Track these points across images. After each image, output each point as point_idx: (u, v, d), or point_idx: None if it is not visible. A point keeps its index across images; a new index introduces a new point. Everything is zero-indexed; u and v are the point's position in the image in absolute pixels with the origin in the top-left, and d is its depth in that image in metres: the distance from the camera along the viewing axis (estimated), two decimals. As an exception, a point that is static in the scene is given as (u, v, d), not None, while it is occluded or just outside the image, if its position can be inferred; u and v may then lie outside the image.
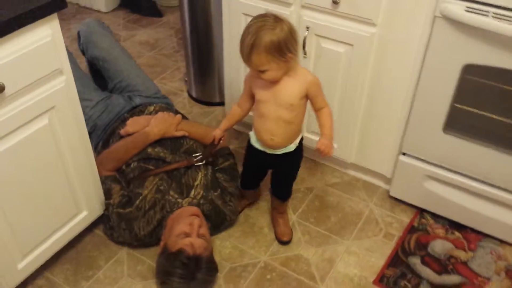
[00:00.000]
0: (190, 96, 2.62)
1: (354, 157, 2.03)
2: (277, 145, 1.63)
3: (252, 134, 1.69)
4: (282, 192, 1.83)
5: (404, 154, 1.88)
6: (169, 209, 1.74)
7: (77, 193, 1.66)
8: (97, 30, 2.24)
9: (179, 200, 1.76)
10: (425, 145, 1.80)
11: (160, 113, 1.97)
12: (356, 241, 1.86)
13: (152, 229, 1.74)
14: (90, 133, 1.97)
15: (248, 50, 1.41)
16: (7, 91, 1.28)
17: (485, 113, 1.65)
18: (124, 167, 1.86)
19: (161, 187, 1.77)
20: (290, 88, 1.52)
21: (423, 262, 1.78)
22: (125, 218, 1.73)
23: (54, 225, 1.63)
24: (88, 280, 1.71)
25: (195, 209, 1.73)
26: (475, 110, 1.66)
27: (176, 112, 2.13)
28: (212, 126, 2.36)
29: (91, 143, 1.89)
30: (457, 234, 1.88)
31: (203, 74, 2.49)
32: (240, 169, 1.90)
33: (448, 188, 1.84)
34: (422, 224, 1.92)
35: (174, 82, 2.76)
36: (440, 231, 1.89)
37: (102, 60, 2.19)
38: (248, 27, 1.43)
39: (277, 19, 1.41)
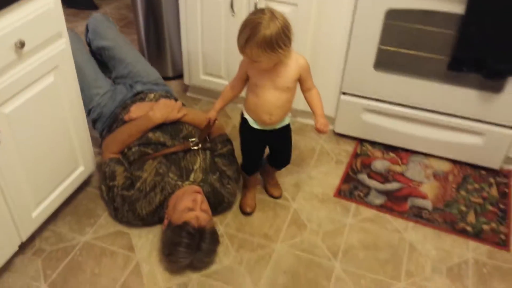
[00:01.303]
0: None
1: (303, 105, 2.40)
2: (275, 121, 1.77)
3: (247, 116, 1.80)
4: (283, 161, 2.00)
5: (344, 93, 2.28)
6: (170, 191, 1.83)
7: (75, 149, 1.87)
8: (103, 23, 2.39)
9: (179, 183, 1.85)
10: (360, 83, 2.21)
11: (162, 99, 2.07)
12: (314, 169, 2.23)
13: (153, 209, 1.84)
14: (96, 120, 2.16)
15: (243, 43, 1.54)
16: (26, 48, 1.48)
17: (408, 51, 2.08)
18: (126, 150, 1.96)
19: (160, 170, 1.87)
20: (286, 72, 1.66)
21: (369, 177, 2.19)
22: (128, 200, 1.83)
23: (59, 177, 1.83)
24: (92, 226, 1.92)
25: (197, 187, 1.84)
26: (399, 49, 2.09)
27: (176, 100, 2.21)
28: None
29: (97, 130, 2.20)
30: (391, 154, 2.32)
31: (156, 52, 2.74)
32: (238, 158, 2.01)
33: (382, 117, 2.27)
34: (363, 151, 2.34)
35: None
36: (378, 154, 2.32)
37: (107, 49, 2.32)
38: (246, 21, 1.55)
39: (273, 17, 1.53)
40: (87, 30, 2.44)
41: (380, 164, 2.26)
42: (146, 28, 2.69)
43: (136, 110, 2.05)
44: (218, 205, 1.93)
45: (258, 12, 1.56)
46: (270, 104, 1.71)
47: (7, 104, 1.49)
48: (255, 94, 1.72)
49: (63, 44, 1.66)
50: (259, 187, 2.11)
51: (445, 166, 2.26)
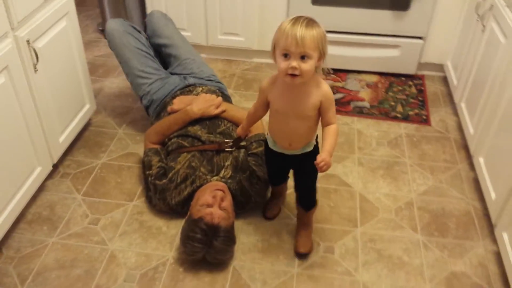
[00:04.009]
0: (110, 41, 3.21)
1: (257, 44, 2.90)
2: (295, 148, 1.66)
3: (269, 137, 1.73)
4: (305, 196, 1.82)
5: (289, 30, 2.80)
6: (199, 184, 1.87)
7: (83, 88, 2.25)
8: (161, 21, 2.47)
9: (208, 177, 1.89)
10: (301, 19, 2.74)
11: (202, 94, 2.13)
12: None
13: (183, 200, 1.88)
14: (147, 107, 2.29)
15: (304, 29, 1.37)
16: (48, -5, 1.87)
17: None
18: (167, 140, 2.05)
19: (193, 164, 1.91)
20: (307, 98, 1.53)
21: (319, 92, 2.73)
22: (159, 189, 1.90)
23: (75, 109, 2.22)
24: (104, 152, 2.30)
25: (221, 184, 1.85)
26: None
27: (225, 97, 2.28)
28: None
29: (149, 116, 2.29)
30: (332, 75, 2.88)
31: (120, 16, 3.08)
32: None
33: (320, 45, 2.81)
34: (310, 76, 2.87)
35: (89, 34, 3.31)
36: (322, 77, 2.86)
37: (164, 47, 2.42)
38: (294, 20, 1.41)
39: (317, 22, 1.45)
40: (145, 27, 2.52)
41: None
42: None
43: (179, 103, 2.12)
44: (245, 203, 1.94)
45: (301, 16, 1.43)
46: (290, 132, 1.62)
47: (40, 39, 1.86)
48: (275, 120, 1.64)
49: None
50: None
51: (374, 78, 2.85)
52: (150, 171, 1.94)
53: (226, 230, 1.70)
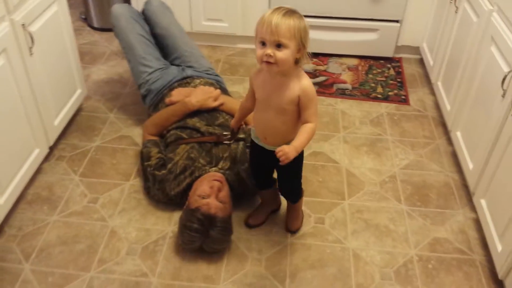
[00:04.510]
0: (93, 27, 3.24)
1: (241, 30, 2.97)
2: (271, 144, 1.64)
3: (252, 128, 1.71)
4: (287, 192, 1.84)
5: (272, 15, 2.88)
6: (198, 175, 1.88)
7: (75, 74, 2.29)
8: (158, 10, 2.45)
9: (207, 168, 1.90)
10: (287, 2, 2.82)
11: (201, 86, 2.14)
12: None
13: (182, 190, 1.89)
14: (144, 96, 2.28)
15: (279, 19, 1.37)
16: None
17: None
18: (165, 132, 2.07)
19: (192, 155, 1.92)
20: (284, 91, 1.50)
21: (302, 75, 2.83)
22: (158, 179, 1.91)
23: (69, 93, 2.27)
24: (98, 135, 2.35)
25: (219, 175, 1.86)
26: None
27: (223, 90, 2.29)
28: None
29: (145, 106, 2.30)
30: (314, 59, 2.98)
31: (102, 3, 3.12)
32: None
33: (303, 30, 2.91)
34: (293, 60, 2.97)
35: (72, 23, 3.31)
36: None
37: (161, 37, 2.41)
38: (274, 9, 1.41)
39: (301, 14, 1.44)
40: (143, 14, 2.48)
41: (307, 66, 2.91)
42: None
43: (177, 95, 2.13)
44: (242, 193, 1.95)
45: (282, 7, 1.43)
46: (263, 124, 1.61)
47: (34, 23, 1.90)
48: (257, 109, 1.63)
49: None
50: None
51: (354, 61, 2.97)
52: (149, 162, 1.95)
53: (223, 220, 1.72)
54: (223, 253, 1.83)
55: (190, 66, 2.34)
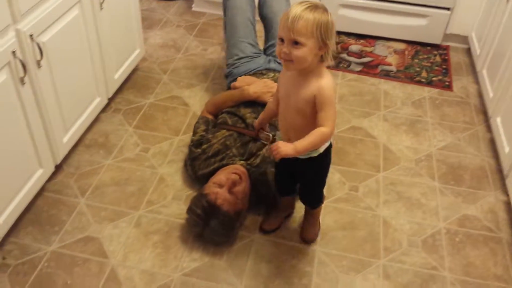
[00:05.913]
0: (152, -3, 3.41)
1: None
2: None
3: (278, 132, 1.64)
4: (308, 198, 1.79)
5: (324, -5, 2.97)
6: (225, 163, 1.88)
7: (97, 79, 2.44)
8: None
9: (236, 159, 1.90)
10: (337, -16, 2.91)
11: (264, 79, 2.13)
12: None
13: (208, 173, 1.89)
14: (227, 76, 2.34)
15: (297, 15, 1.31)
16: None
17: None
18: (220, 113, 2.11)
19: (227, 142, 1.93)
20: (302, 89, 1.43)
21: (348, 55, 2.91)
22: (192, 156, 1.98)
23: (83, 106, 2.04)
24: (151, 93, 2.51)
25: (242, 169, 1.84)
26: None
27: None
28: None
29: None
30: (362, 40, 3.05)
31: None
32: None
33: (353, 11, 2.98)
34: (341, 40, 3.05)
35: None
36: (352, 41, 3.04)
37: (266, 20, 2.41)
38: (296, 4, 1.35)
39: (326, 9, 1.37)
40: None
41: (355, 47, 2.99)
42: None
43: (241, 81, 2.16)
44: (263, 197, 1.91)
45: (306, 1, 1.37)
46: (286, 123, 1.55)
47: (45, 33, 1.71)
48: (280, 109, 1.57)
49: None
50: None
51: (401, 46, 3.02)
52: (193, 137, 2.04)
53: (226, 214, 1.68)
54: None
55: (278, 59, 2.29)
